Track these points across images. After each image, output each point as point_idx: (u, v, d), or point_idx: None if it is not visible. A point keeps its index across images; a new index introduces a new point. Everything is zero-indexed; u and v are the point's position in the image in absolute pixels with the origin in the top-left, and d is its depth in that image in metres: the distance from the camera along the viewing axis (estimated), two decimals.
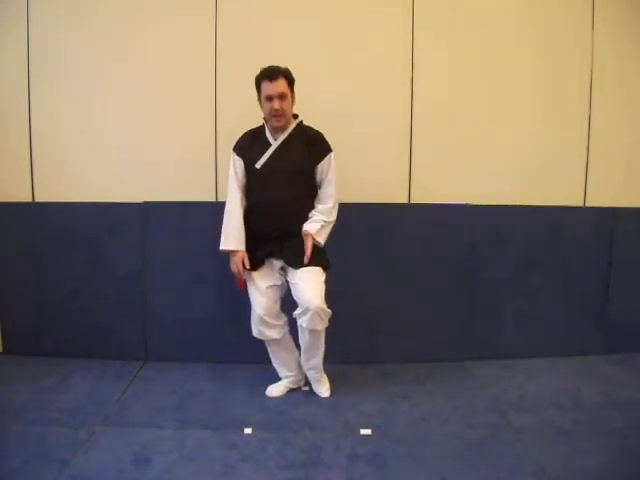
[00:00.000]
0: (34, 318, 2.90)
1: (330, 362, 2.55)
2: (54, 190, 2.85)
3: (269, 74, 2.25)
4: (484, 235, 2.91)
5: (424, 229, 2.88)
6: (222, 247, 2.36)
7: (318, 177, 2.38)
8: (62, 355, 2.87)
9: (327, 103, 2.73)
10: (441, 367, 2.85)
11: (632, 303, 3.06)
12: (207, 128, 2.83)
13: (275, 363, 2.56)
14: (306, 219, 2.36)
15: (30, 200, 2.87)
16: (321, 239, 2.35)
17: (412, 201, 2.90)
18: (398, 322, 2.91)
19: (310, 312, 2.26)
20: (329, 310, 2.32)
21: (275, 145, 2.33)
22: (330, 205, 2.37)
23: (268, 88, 2.25)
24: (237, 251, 2.34)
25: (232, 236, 2.34)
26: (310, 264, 2.31)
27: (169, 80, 2.81)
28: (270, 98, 2.25)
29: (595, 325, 3.05)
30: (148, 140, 2.84)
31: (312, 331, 2.32)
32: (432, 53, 2.86)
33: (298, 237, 2.33)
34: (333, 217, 2.39)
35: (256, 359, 2.70)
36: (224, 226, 2.37)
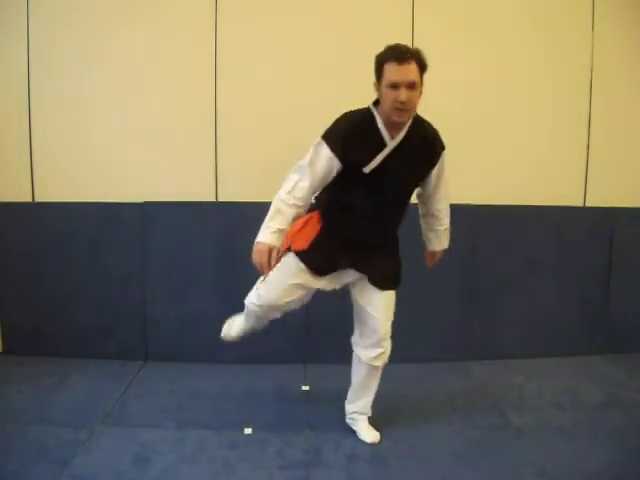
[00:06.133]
0: (34, 318, 2.89)
1: (331, 362, 2.55)
2: (54, 190, 2.85)
3: (398, 54, 1.78)
4: (484, 235, 2.91)
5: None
6: (260, 239, 1.81)
7: (431, 181, 2.03)
8: (62, 355, 2.86)
9: (325, 104, 2.72)
10: (441, 367, 2.85)
11: (632, 303, 3.06)
12: (207, 128, 2.82)
13: (245, 322, 2.23)
14: (399, 225, 2.09)
15: (30, 200, 2.87)
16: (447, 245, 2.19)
17: (412, 201, 2.89)
18: (398, 322, 2.89)
19: (380, 349, 2.12)
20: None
21: (391, 146, 1.88)
22: (447, 206, 2.12)
23: (395, 73, 1.77)
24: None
25: (276, 230, 1.82)
26: (391, 287, 2.09)
27: (169, 80, 2.81)
28: (396, 86, 1.77)
29: (595, 325, 3.05)
30: (148, 140, 2.83)
31: (372, 367, 2.15)
32: (432, 54, 2.84)
33: (386, 249, 2.07)
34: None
35: (256, 359, 2.70)
36: (269, 218, 1.83)
